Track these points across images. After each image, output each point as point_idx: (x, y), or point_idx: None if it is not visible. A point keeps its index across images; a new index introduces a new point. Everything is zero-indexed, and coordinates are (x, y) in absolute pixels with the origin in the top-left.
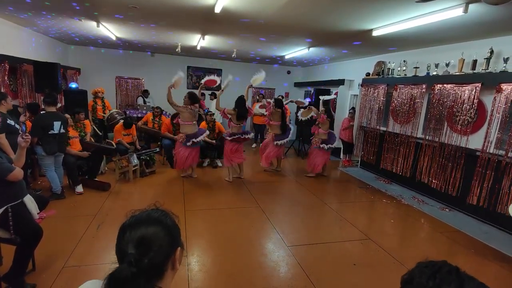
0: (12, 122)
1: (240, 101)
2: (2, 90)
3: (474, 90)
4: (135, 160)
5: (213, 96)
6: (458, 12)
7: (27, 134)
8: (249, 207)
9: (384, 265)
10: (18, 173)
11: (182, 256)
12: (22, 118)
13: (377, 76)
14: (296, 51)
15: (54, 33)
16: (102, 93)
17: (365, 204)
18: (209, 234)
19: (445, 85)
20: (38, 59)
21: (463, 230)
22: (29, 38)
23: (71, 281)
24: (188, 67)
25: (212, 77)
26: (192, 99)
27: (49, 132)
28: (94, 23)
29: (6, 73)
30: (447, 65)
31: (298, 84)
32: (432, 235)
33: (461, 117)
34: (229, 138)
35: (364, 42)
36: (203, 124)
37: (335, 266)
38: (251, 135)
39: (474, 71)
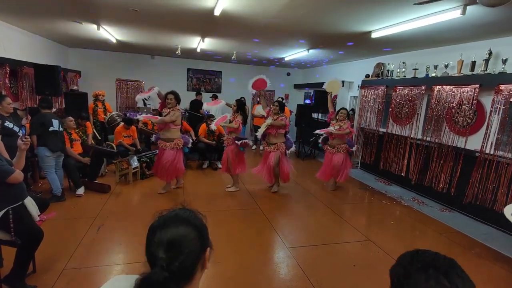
0: (10, 125)
1: (241, 104)
2: (3, 93)
3: (473, 91)
4: (135, 162)
5: (214, 97)
6: (456, 14)
7: (26, 136)
8: (249, 209)
9: (384, 266)
10: (18, 175)
11: (211, 255)
12: (24, 121)
13: (376, 78)
14: (295, 53)
15: (54, 36)
16: (103, 96)
17: (365, 206)
18: (210, 235)
19: (444, 86)
20: (39, 62)
21: (463, 231)
22: (30, 41)
23: (71, 283)
24: (188, 69)
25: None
26: (178, 99)
27: (50, 129)
28: (94, 26)
29: (7, 76)
30: (446, 66)
31: (297, 86)
32: (432, 236)
33: (460, 118)
34: (239, 142)
35: (363, 44)
36: (203, 126)
37: (335, 267)
38: (249, 141)
39: (473, 73)
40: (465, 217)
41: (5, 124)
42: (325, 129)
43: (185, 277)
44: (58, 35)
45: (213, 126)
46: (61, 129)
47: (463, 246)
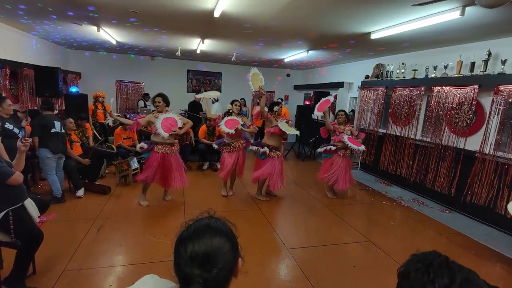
0: (10, 126)
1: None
2: (3, 95)
3: (472, 92)
4: (135, 164)
5: (215, 100)
6: (455, 15)
7: (26, 138)
8: (249, 210)
9: (384, 267)
10: (18, 177)
11: (242, 266)
12: (24, 123)
13: (376, 79)
14: (295, 54)
15: (54, 37)
16: (103, 97)
17: (365, 206)
18: None
19: (443, 87)
20: (39, 64)
21: (463, 231)
22: (30, 43)
23: (71, 285)
24: (188, 71)
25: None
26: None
27: (52, 131)
28: (94, 28)
29: (7, 77)
30: (445, 67)
31: (297, 87)
32: (432, 237)
33: (460, 119)
34: (261, 150)
35: (363, 44)
36: (203, 127)
37: (335, 268)
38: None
39: (472, 73)
40: (465, 218)
41: (5, 125)
42: (337, 141)
43: None
44: (58, 36)
45: (229, 130)
46: (63, 131)
47: (463, 246)
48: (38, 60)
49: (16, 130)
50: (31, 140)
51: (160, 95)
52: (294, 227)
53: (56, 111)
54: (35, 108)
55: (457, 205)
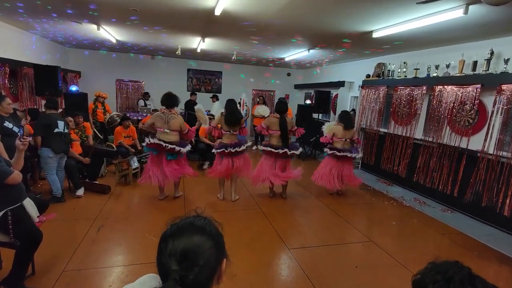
0: (10, 125)
1: (229, 103)
2: (3, 93)
3: (475, 91)
4: (135, 163)
5: (215, 98)
6: (459, 13)
7: (25, 137)
8: (250, 210)
9: (386, 267)
10: (17, 176)
11: (227, 268)
12: (23, 122)
13: (377, 78)
14: (296, 53)
15: (54, 36)
16: (104, 98)
17: (366, 206)
18: None
19: (445, 86)
20: (39, 62)
21: (465, 232)
22: (29, 41)
23: (71, 285)
24: (188, 70)
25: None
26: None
27: (55, 131)
28: (94, 26)
29: (7, 76)
30: (447, 66)
31: (298, 86)
32: (434, 237)
33: (462, 118)
34: (218, 151)
35: (364, 43)
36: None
37: (337, 268)
38: (244, 146)
39: (475, 72)
40: (467, 218)
41: (5, 124)
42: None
43: None
44: (58, 35)
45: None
46: (66, 130)
47: (465, 247)
48: (38, 59)
49: (15, 129)
50: (30, 139)
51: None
52: (295, 227)
53: (60, 110)
54: (35, 107)
55: (459, 205)
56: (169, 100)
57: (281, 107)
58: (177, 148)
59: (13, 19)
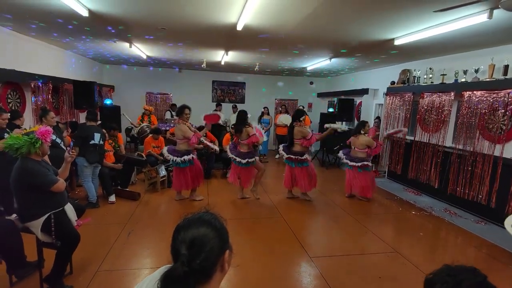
0: (53, 137)
1: (238, 114)
2: (47, 108)
3: (507, 96)
4: (163, 171)
5: (236, 108)
6: (483, 18)
7: (73, 150)
8: (272, 217)
9: (411, 279)
10: (61, 184)
11: (231, 258)
12: (65, 134)
13: (402, 85)
14: (317, 62)
15: (91, 54)
16: (150, 111)
17: (392, 216)
18: (232, 244)
19: (474, 92)
20: (77, 79)
21: (500, 244)
22: (70, 60)
23: (103, 284)
24: (213, 81)
25: (213, 113)
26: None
27: (91, 142)
28: (127, 44)
29: (50, 92)
30: (476, 71)
31: (321, 95)
32: (465, 249)
33: (494, 125)
34: (233, 156)
35: (387, 51)
36: (227, 136)
37: (359, 278)
38: (254, 159)
39: (506, 77)
40: (503, 230)
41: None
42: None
43: (204, 275)
44: (94, 53)
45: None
46: (101, 142)
47: (501, 260)
48: (77, 75)
49: (58, 140)
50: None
51: (188, 107)
52: (318, 235)
53: (99, 122)
54: (73, 119)
55: (494, 216)
56: (177, 110)
57: (293, 115)
58: (169, 157)
59: (56, 40)
